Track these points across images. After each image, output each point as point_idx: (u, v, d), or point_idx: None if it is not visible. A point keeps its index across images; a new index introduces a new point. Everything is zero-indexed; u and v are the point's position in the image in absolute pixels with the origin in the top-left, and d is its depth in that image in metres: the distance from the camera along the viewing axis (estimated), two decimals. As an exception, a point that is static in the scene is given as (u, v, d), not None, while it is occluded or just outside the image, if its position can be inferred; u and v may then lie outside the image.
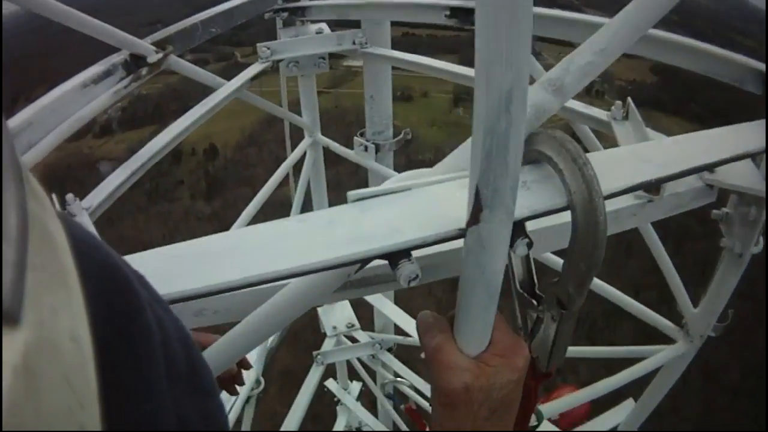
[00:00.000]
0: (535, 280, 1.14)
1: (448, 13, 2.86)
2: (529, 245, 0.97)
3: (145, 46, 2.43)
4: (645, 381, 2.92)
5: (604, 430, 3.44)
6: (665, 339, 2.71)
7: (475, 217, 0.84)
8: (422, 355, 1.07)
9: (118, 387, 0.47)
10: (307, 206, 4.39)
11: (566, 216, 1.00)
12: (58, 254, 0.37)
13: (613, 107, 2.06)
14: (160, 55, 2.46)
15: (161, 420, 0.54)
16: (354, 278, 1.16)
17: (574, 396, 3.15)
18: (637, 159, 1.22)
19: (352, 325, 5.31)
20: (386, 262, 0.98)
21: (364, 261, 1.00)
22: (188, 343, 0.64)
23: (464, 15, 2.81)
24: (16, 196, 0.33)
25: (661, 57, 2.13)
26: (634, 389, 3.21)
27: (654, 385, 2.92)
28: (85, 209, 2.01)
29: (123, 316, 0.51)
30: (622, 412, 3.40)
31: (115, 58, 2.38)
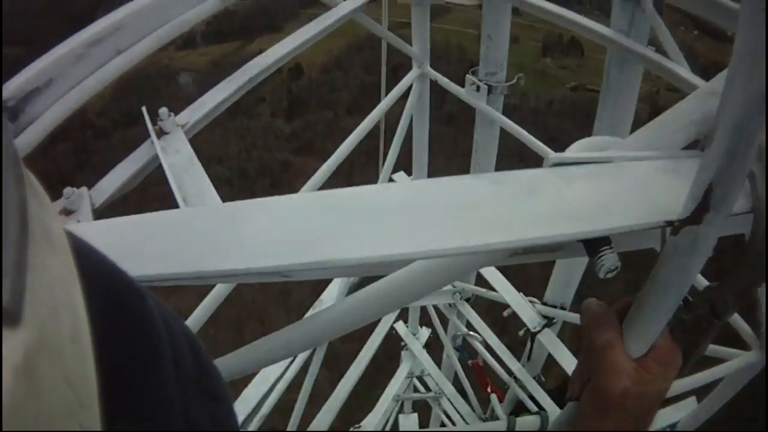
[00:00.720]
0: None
1: None
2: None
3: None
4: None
5: (663, 427, 3.26)
6: (739, 342, 2.47)
7: (697, 217, 0.77)
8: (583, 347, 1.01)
9: (127, 388, 0.47)
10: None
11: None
12: (59, 254, 0.37)
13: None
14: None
15: (171, 422, 0.53)
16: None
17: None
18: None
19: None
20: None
21: (567, 243, 0.93)
22: (197, 346, 0.64)
23: None
24: (16, 196, 0.33)
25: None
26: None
27: (720, 389, 2.74)
28: (180, 126, 1.87)
29: (130, 318, 0.51)
30: (683, 410, 3.23)
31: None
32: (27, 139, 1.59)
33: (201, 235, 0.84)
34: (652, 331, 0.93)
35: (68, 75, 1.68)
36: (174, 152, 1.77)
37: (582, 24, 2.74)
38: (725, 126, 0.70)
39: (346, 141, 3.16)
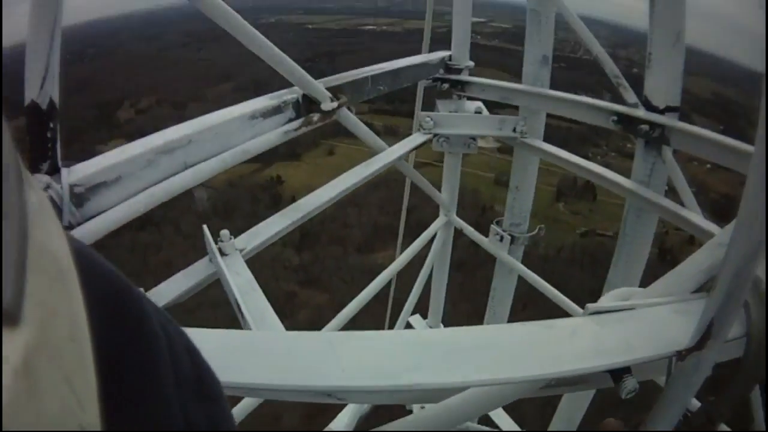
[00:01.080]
0: None
1: (615, 118, 2.80)
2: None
3: (320, 90, 2.36)
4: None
5: None
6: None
7: (700, 344, 1.02)
8: None
9: (127, 389, 0.48)
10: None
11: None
12: (58, 256, 0.37)
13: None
14: (335, 104, 2.39)
15: (169, 423, 0.53)
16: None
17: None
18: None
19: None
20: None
21: (597, 374, 1.11)
22: (194, 350, 0.65)
23: (629, 122, 2.77)
24: (16, 198, 0.33)
25: (739, 166, 2.22)
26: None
27: None
28: (239, 250, 1.98)
29: (129, 321, 0.52)
30: None
31: (287, 96, 2.33)
32: (89, 230, 1.66)
33: (304, 355, 0.99)
34: None
35: (137, 177, 1.78)
36: (235, 273, 1.86)
37: (605, 177, 2.88)
38: (727, 273, 0.94)
39: (373, 282, 3.28)
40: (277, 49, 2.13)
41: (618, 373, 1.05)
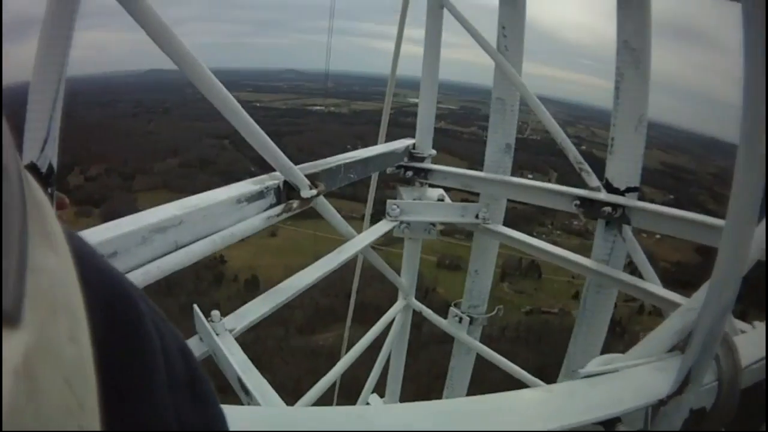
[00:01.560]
0: None
1: (578, 202, 2.96)
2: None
3: (300, 177, 2.47)
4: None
5: None
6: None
7: (680, 390, 1.24)
8: None
9: (120, 391, 0.48)
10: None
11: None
12: (58, 257, 0.38)
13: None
14: (314, 191, 2.50)
15: (163, 423, 0.54)
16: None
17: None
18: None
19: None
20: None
21: (600, 424, 1.27)
22: (187, 353, 0.65)
23: (590, 205, 2.93)
24: (16, 199, 0.34)
25: (705, 240, 2.46)
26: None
27: None
28: (228, 330, 2.05)
29: (124, 323, 0.52)
30: None
31: (269, 182, 2.43)
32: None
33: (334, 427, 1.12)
34: None
35: (132, 254, 1.80)
36: (230, 353, 1.93)
37: (567, 258, 3.04)
38: (701, 331, 1.18)
39: (340, 362, 3.38)
40: (264, 134, 2.25)
41: (611, 423, 1.23)
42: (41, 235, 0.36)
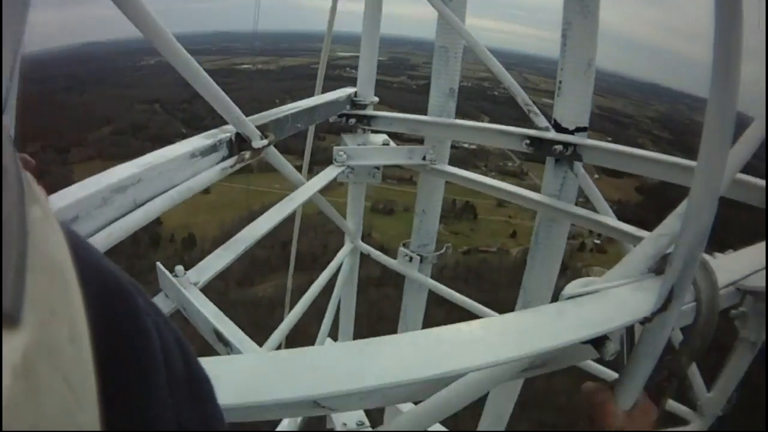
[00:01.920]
0: None
1: (528, 141, 3.04)
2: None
3: (252, 128, 2.48)
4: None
5: None
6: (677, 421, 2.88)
7: (665, 306, 1.28)
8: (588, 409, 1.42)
9: (120, 390, 0.48)
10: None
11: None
12: (58, 257, 0.38)
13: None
14: (265, 141, 2.52)
15: (163, 424, 0.54)
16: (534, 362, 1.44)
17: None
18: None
19: (362, 423, 4.95)
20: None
21: (591, 341, 1.30)
22: (186, 350, 0.65)
23: (540, 144, 3.02)
24: (16, 199, 0.34)
25: (654, 174, 2.59)
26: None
27: None
28: (193, 284, 2.07)
29: (123, 321, 0.52)
30: None
31: (221, 135, 2.43)
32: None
33: (338, 363, 1.15)
34: (635, 393, 1.38)
35: (93, 216, 1.79)
36: (201, 306, 1.96)
37: (517, 193, 3.17)
38: (681, 251, 1.24)
39: (294, 310, 3.40)
40: (217, 87, 2.23)
41: (599, 341, 1.27)
42: (40, 235, 0.36)
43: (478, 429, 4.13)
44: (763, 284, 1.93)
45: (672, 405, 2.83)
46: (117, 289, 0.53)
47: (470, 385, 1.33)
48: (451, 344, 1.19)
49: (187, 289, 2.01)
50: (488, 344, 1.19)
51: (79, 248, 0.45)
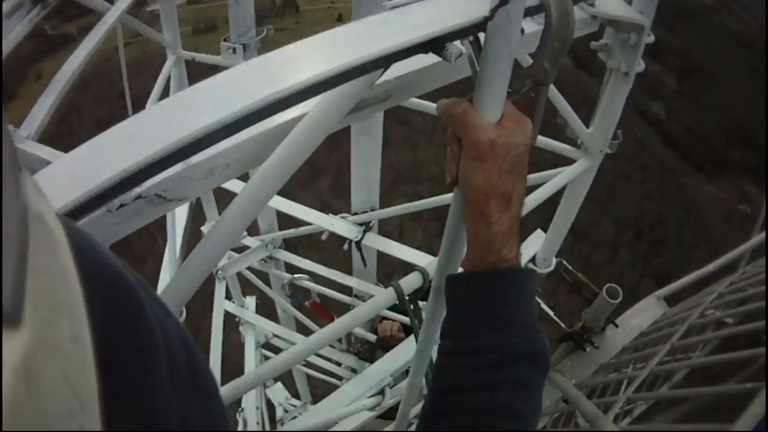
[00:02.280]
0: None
1: None
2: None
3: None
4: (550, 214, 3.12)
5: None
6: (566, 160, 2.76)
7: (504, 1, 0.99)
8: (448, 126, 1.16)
9: (122, 387, 0.48)
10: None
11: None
12: (59, 255, 0.38)
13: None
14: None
15: (166, 421, 0.54)
16: (364, 98, 1.27)
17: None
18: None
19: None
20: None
21: (431, 49, 1.12)
22: (189, 344, 0.65)
23: None
24: (16, 198, 0.33)
25: None
26: (541, 223, 3.37)
27: (563, 207, 3.04)
28: (26, 137, 1.99)
29: (125, 317, 0.52)
30: (536, 242, 3.45)
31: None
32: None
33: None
34: (497, 101, 1.11)
35: None
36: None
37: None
38: None
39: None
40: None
41: (439, 44, 1.11)
42: (41, 233, 0.36)
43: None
44: (624, 14, 1.92)
45: (556, 145, 2.76)
46: (120, 286, 0.53)
47: (306, 130, 1.17)
48: (270, 69, 1.06)
49: (23, 145, 1.77)
50: (310, 62, 1.06)
51: (81, 245, 0.45)
